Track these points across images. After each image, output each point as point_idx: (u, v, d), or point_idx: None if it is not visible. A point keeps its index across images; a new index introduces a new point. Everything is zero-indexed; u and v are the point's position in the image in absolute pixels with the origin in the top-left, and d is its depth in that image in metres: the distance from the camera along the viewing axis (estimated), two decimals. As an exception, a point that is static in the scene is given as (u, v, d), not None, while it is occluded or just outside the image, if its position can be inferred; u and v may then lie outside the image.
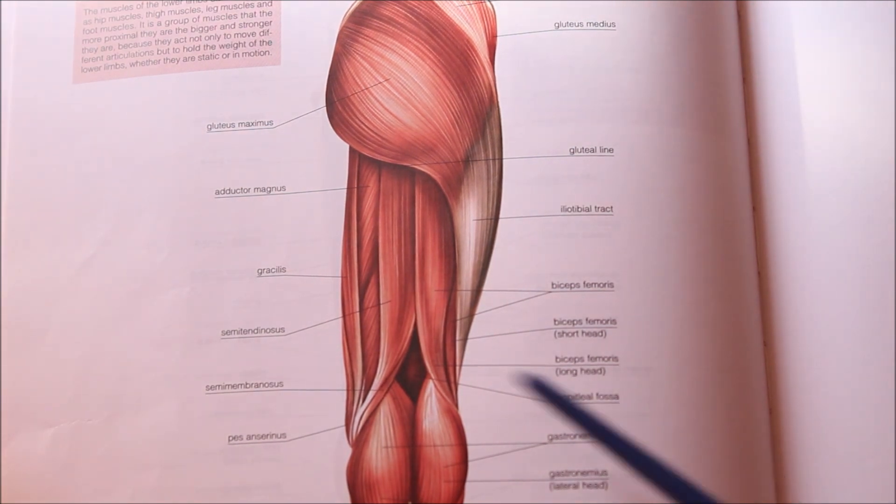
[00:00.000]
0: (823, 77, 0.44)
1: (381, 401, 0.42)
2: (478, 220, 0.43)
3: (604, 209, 0.42)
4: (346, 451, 0.41)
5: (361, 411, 0.42)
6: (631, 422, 0.40)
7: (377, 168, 0.44)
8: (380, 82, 0.45)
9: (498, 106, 0.44)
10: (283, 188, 0.44)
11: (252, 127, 0.45)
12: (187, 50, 0.46)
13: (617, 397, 0.41)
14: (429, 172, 0.43)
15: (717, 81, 0.44)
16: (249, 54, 0.46)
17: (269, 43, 0.46)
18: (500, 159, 0.43)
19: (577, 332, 0.41)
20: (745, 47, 0.46)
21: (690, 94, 0.44)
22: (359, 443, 0.41)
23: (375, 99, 0.44)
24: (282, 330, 0.43)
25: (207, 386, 0.43)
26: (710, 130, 0.44)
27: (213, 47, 0.46)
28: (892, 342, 0.41)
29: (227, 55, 0.46)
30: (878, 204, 0.42)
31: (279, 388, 0.42)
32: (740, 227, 0.43)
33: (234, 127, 0.45)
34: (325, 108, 0.45)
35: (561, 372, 0.41)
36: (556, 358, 0.41)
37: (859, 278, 0.42)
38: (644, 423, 0.40)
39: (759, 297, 0.44)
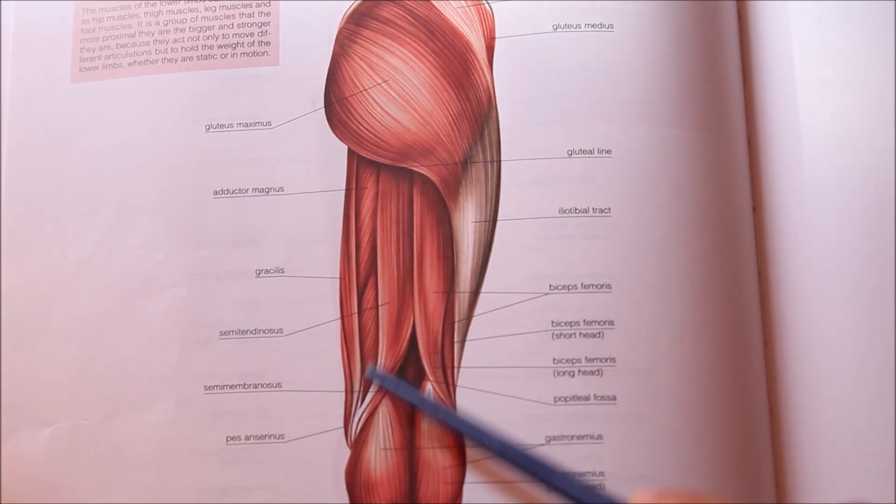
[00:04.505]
0: (823, 77, 0.44)
1: (379, 402, 0.42)
2: (476, 222, 0.43)
3: (602, 210, 0.42)
4: (345, 453, 0.41)
5: (360, 413, 0.42)
6: (629, 423, 0.40)
7: (375, 169, 0.44)
8: (378, 84, 0.45)
9: (496, 108, 0.44)
10: (281, 189, 0.44)
11: (250, 127, 0.45)
12: (185, 50, 0.46)
13: (615, 398, 0.41)
14: (427, 174, 0.43)
15: (716, 82, 0.44)
16: (248, 55, 0.46)
17: (268, 43, 0.46)
18: (499, 161, 0.43)
19: (574, 333, 0.41)
20: (745, 48, 0.46)
21: (689, 95, 0.44)
22: (357, 444, 0.42)
23: (374, 100, 0.44)
24: (280, 331, 0.43)
25: (205, 386, 0.43)
26: (710, 131, 0.44)
27: (211, 47, 0.46)
28: (892, 342, 0.41)
29: (226, 55, 0.46)
30: (877, 204, 0.42)
31: (277, 388, 0.42)
32: (740, 227, 0.43)
33: (232, 127, 0.45)
34: (323, 110, 0.45)
35: (559, 373, 0.41)
36: (554, 359, 0.41)
37: (859, 278, 0.42)
38: (642, 425, 0.40)
39: (759, 297, 0.44)
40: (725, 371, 0.41)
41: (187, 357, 0.43)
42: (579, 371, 0.41)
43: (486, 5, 0.45)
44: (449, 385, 0.41)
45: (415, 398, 0.41)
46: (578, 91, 0.43)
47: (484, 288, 0.42)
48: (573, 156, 0.43)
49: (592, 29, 0.44)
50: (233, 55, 0.46)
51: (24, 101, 0.46)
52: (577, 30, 0.44)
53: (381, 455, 0.41)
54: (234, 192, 0.44)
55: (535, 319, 0.41)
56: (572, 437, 0.40)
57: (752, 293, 0.43)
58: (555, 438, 0.40)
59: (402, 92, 0.44)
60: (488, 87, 0.44)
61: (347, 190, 0.44)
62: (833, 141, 0.43)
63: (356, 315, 0.43)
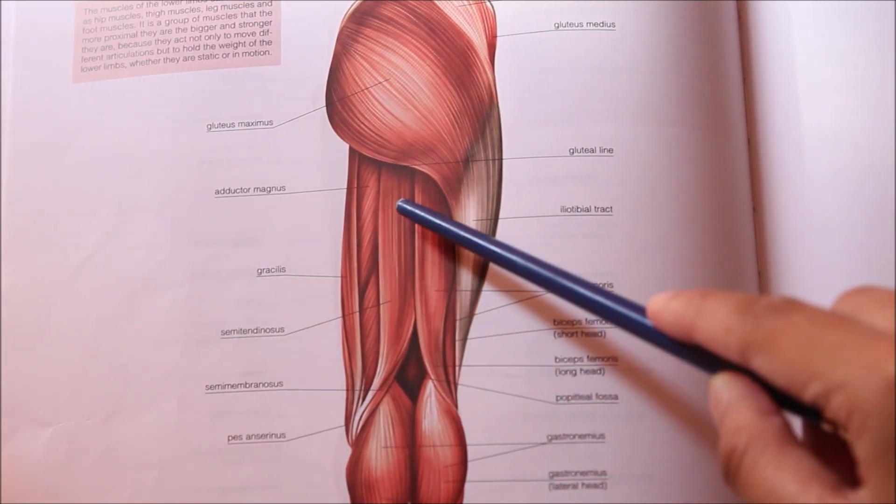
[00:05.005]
0: (823, 77, 0.44)
1: (380, 401, 0.42)
2: (477, 220, 0.43)
3: (603, 209, 0.42)
4: (346, 451, 0.41)
5: (361, 411, 0.42)
6: (630, 422, 0.40)
7: (377, 168, 0.44)
8: (380, 82, 0.45)
9: (498, 106, 0.44)
10: (282, 188, 0.44)
11: (252, 127, 0.45)
12: (187, 49, 0.46)
13: (616, 397, 0.41)
14: (429, 173, 0.43)
15: (717, 81, 0.44)
16: (249, 54, 0.46)
17: (269, 43, 0.46)
18: (500, 160, 0.43)
19: (576, 332, 0.41)
20: (745, 47, 0.46)
21: (690, 95, 0.44)
22: (358, 443, 0.41)
23: (375, 99, 0.44)
24: (281, 330, 0.43)
25: (207, 385, 0.43)
26: (710, 130, 0.44)
27: (212, 47, 0.46)
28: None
29: (227, 55, 0.46)
30: (877, 203, 0.42)
31: (279, 387, 0.42)
32: (740, 227, 0.43)
33: (233, 127, 0.45)
34: (325, 108, 0.45)
35: (561, 372, 0.41)
36: (556, 358, 0.41)
37: (859, 278, 0.42)
38: (643, 424, 0.40)
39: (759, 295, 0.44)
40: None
41: (188, 356, 0.43)
42: (581, 370, 0.41)
43: (488, 4, 0.45)
44: (450, 383, 0.41)
45: (445, 224, 0.42)
46: (580, 90, 0.43)
47: (485, 286, 0.42)
48: (575, 154, 0.43)
49: (594, 27, 0.44)
50: (234, 55, 0.46)
51: (26, 101, 0.46)
52: (579, 28, 0.44)
53: (381, 453, 0.41)
54: (235, 191, 0.44)
55: (536, 318, 0.41)
56: (574, 436, 0.40)
57: (753, 292, 0.43)
58: (556, 437, 0.40)
59: (403, 90, 0.44)
60: (490, 86, 0.44)
61: (349, 189, 0.44)
62: (833, 140, 0.43)
63: (357, 314, 0.43)
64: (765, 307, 0.29)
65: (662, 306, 0.33)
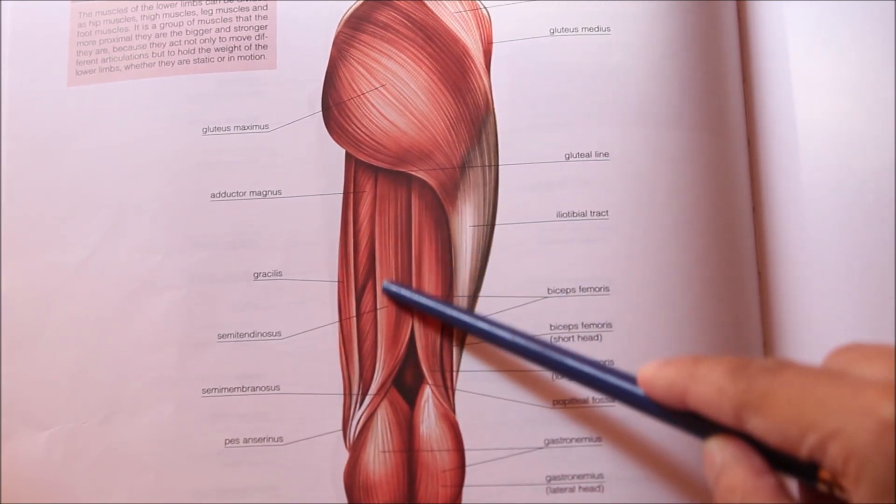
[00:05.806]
0: (823, 78, 0.44)
1: (378, 405, 0.42)
2: (474, 226, 0.43)
3: (599, 213, 0.42)
4: (344, 455, 0.42)
5: (358, 416, 0.42)
6: (628, 425, 0.40)
7: (373, 173, 0.44)
8: (376, 88, 0.44)
9: (494, 112, 0.44)
10: (278, 192, 0.44)
11: (247, 130, 0.45)
12: (182, 53, 0.46)
13: (613, 400, 0.41)
14: (425, 178, 0.43)
15: (715, 83, 0.44)
16: (245, 58, 0.45)
17: (265, 47, 0.46)
18: (496, 165, 0.43)
19: (573, 336, 0.41)
20: (745, 48, 0.46)
21: (688, 97, 0.44)
22: (356, 447, 0.42)
23: (371, 104, 0.44)
24: (278, 333, 0.43)
25: (203, 389, 0.43)
26: (708, 132, 0.43)
27: (208, 50, 0.46)
28: (892, 341, 0.41)
29: (223, 58, 0.46)
30: (876, 203, 0.42)
31: (276, 391, 0.42)
32: (740, 227, 0.43)
33: (229, 130, 0.45)
34: (321, 113, 0.45)
35: (557, 376, 0.41)
36: (553, 362, 0.41)
37: (859, 278, 0.42)
38: (640, 426, 0.40)
39: (759, 298, 0.44)
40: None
41: (185, 359, 0.43)
42: (578, 373, 0.41)
43: (484, 10, 0.45)
44: (448, 388, 0.42)
45: (432, 304, 0.42)
46: (576, 94, 0.43)
47: (482, 292, 0.42)
48: (571, 159, 0.43)
49: (589, 32, 0.44)
50: (230, 58, 0.46)
51: (22, 105, 0.46)
52: (574, 33, 0.44)
53: (379, 457, 0.41)
54: (231, 194, 0.44)
55: (533, 323, 0.41)
56: (571, 440, 0.40)
57: (752, 294, 0.43)
58: (554, 441, 0.41)
59: (399, 96, 0.44)
60: (486, 92, 0.44)
61: (345, 193, 0.44)
62: (833, 141, 0.43)
63: (354, 318, 0.43)
64: (757, 368, 0.29)
65: (654, 374, 0.33)
